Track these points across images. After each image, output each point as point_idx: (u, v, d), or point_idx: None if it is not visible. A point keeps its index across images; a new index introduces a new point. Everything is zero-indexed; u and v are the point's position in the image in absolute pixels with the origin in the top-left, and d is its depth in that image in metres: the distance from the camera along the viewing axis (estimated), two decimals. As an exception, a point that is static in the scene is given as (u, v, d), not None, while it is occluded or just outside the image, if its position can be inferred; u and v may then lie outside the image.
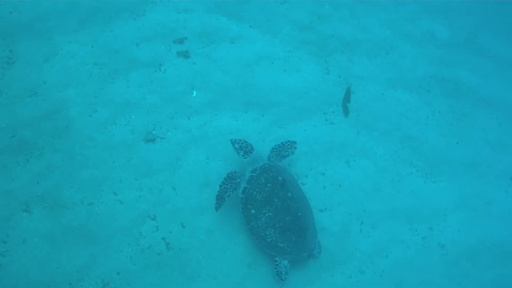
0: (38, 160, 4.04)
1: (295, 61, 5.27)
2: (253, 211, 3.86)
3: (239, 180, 3.98)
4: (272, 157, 4.37)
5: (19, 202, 3.74)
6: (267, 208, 3.83)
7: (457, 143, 5.06)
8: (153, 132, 4.39)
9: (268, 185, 3.88)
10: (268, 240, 3.83)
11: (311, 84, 5.08)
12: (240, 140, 4.06)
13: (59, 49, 4.63)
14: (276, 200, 3.84)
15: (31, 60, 4.49)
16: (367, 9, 5.97)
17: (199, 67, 4.67)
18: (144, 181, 4.14)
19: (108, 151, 4.23)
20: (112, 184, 4.05)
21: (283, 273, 3.85)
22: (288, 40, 5.44)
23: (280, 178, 3.90)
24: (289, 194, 3.86)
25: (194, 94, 4.70)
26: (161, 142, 4.35)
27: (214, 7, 5.34)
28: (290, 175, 4.14)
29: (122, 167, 4.17)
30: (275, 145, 4.28)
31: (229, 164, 4.30)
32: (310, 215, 4.04)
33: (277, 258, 3.84)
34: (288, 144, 4.34)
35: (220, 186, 3.89)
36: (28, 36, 4.62)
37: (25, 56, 4.49)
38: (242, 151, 4.05)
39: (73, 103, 4.37)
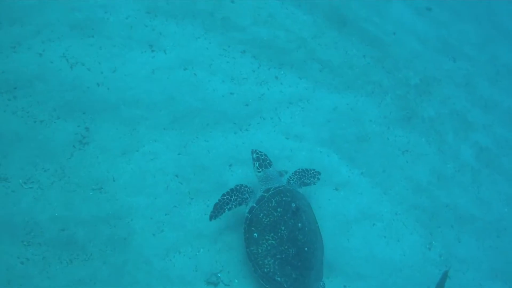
0: (82, 265, 5.37)
1: (399, 227, 6.98)
2: (255, 234, 5.25)
3: (247, 196, 5.46)
4: (292, 180, 5.82)
5: (48, 306, 5.00)
6: (272, 234, 5.20)
7: None
8: (219, 275, 5.68)
9: (279, 209, 5.28)
10: (266, 270, 5.18)
11: (408, 260, 6.74)
12: (260, 152, 5.62)
13: (141, 145, 6.39)
14: (283, 228, 5.20)
15: (107, 147, 6.23)
16: (492, 176, 7.99)
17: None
18: (192, 330, 5.33)
19: (163, 282, 5.45)
20: (155, 321, 5.26)
21: None
22: (398, 200, 7.20)
23: (293, 204, 5.27)
24: (299, 224, 5.24)
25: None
26: (224, 289, 5.59)
27: (328, 140, 7.23)
28: (308, 205, 5.55)
29: (172, 305, 5.40)
30: (298, 169, 5.95)
31: None
32: (320, 254, 5.36)
33: None
34: (312, 173, 6.01)
35: (223, 195, 5.39)
36: (111, 118, 6.43)
37: (101, 140, 6.24)
38: (257, 163, 5.57)
39: (139, 214, 5.96)
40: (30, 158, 5.88)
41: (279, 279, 5.18)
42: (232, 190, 5.47)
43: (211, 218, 5.46)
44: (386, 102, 7.91)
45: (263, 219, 5.29)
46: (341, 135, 7.32)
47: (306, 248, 5.24)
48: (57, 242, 5.41)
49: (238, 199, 5.46)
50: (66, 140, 6.11)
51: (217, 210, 5.43)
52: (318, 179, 6.13)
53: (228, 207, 5.42)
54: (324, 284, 5.47)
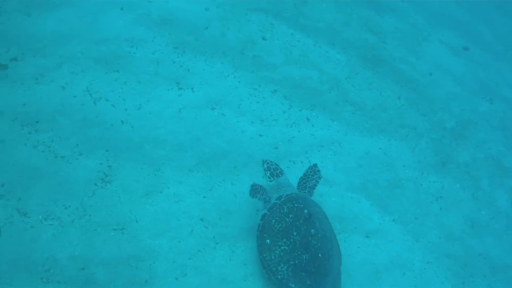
0: (102, 306, 5.34)
1: (430, 276, 6.95)
2: (268, 241, 5.49)
3: (268, 199, 5.76)
4: (300, 190, 5.95)
5: None
6: (284, 240, 5.43)
7: None
8: (242, 325, 5.76)
9: (290, 215, 5.53)
10: (279, 277, 5.38)
11: (437, 311, 6.54)
12: (271, 162, 5.93)
13: (165, 186, 6.49)
14: (295, 233, 5.44)
15: (130, 187, 6.33)
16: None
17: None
18: None
19: (183, 329, 5.48)
20: None
21: None
22: (430, 248, 7.20)
23: (306, 211, 5.51)
24: (312, 230, 5.44)
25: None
26: None
27: (360, 185, 7.30)
28: (322, 212, 5.81)
29: None
30: (299, 179, 6.12)
31: None
32: (336, 262, 5.57)
33: None
34: (311, 171, 6.21)
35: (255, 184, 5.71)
36: (135, 157, 6.55)
37: (124, 179, 6.35)
38: (269, 172, 5.88)
39: (162, 257, 6.01)
40: (51, 194, 6.01)
41: (293, 286, 5.37)
42: (260, 186, 5.85)
43: (250, 194, 5.88)
44: (420, 147, 7.95)
45: (275, 225, 5.54)
46: (373, 181, 7.36)
47: (320, 254, 5.44)
48: (77, 281, 5.58)
49: (265, 194, 5.86)
50: (88, 178, 6.23)
51: (254, 190, 5.85)
52: (319, 170, 6.34)
53: (258, 196, 5.79)
54: None
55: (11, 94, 6.51)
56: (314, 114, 7.55)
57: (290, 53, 7.96)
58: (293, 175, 6.82)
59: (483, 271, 7.28)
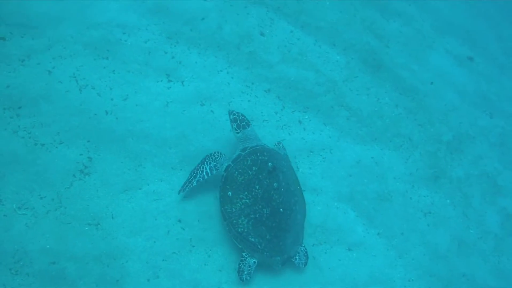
0: (70, 303, 5.26)
1: (410, 293, 6.67)
2: (229, 193, 5.57)
3: (216, 163, 5.82)
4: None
5: None
6: (245, 193, 5.53)
7: None
8: (212, 333, 5.66)
9: (254, 168, 5.61)
10: (239, 230, 5.51)
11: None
12: (237, 112, 5.93)
13: (145, 183, 6.38)
14: (257, 186, 5.53)
15: (109, 181, 6.24)
16: (512, 245, 7.54)
17: (303, 273, 6.00)
18: None
19: (152, 333, 5.42)
20: None
21: (245, 272, 5.51)
22: (413, 265, 7.09)
23: (270, 164, 5.59)
24: (275, 184, 5.55)
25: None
26: None
27: (347, 195, 7.19)
28: (289, 166, 5.89)
29: None
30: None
31: None
32: (299, 217, 5.71)
33: (244, 254, 5.53)
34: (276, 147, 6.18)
35: (192, 171, 5.82)
36: (116, 150, 6.45)
37: (103, 172, 6.27)
38: (235, 124, 5.88)
39: (135, 256, 5.94)
40: (27, 182, 5.95)
41: (253, 239, 5.52)
42: (200, 162, 5.98)
43: (179, 192, 5.99)
44: (414, 158, 7.85)
45: (238, 178, 5.63)
46: (361, 191, 7.27)
47: (281, 209, 5.55)
48: (46, 275, 5.51)
49: (206, 169, 5.88)
50: (67, 168, 6.16)
51: (185, 185, 5.99)
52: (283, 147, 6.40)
53: (196, 180, 5.87)
54: (306, 249, 5.85)
55: (-5, 75, 6.19)
56: (307, 117, 7.43)
57: (288, 51, 7.89)
58: (279, 181, 6.62)
59: (465, 289, 6.90)
